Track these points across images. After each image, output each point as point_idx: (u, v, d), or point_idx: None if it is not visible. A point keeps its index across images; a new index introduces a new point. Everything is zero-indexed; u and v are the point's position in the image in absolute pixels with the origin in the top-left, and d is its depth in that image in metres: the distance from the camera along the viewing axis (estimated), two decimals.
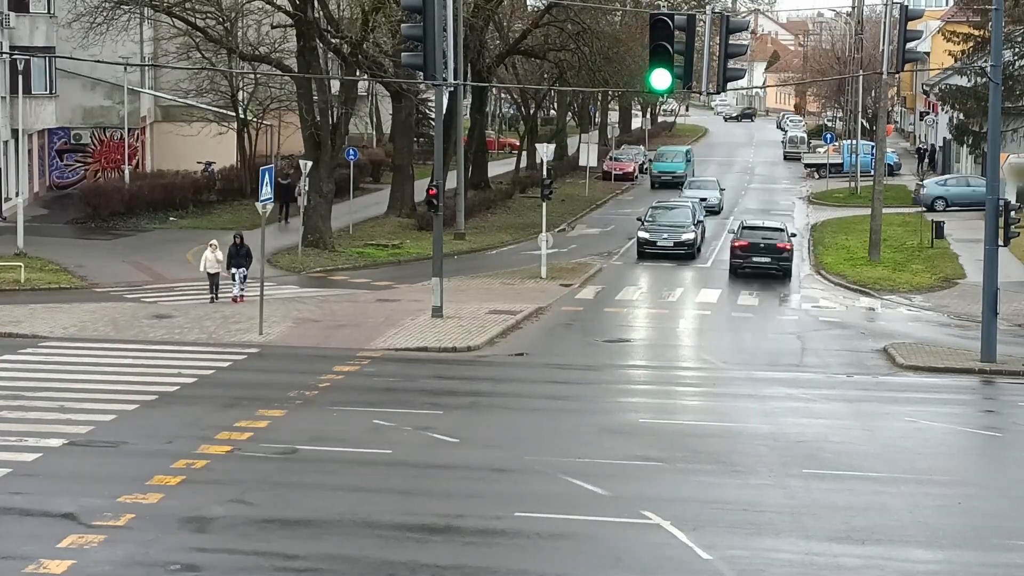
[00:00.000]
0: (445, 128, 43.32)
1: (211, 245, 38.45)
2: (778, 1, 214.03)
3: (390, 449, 23.37)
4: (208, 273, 38.34)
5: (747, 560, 18.06)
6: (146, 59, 64.83)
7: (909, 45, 35.28)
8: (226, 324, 34.78)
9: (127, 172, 61.92)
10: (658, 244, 50.03)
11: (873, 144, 65.71)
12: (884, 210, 52.10)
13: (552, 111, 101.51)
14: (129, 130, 63.42)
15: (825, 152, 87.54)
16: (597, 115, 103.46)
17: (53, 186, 63.33)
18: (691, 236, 50.41)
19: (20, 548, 17.79)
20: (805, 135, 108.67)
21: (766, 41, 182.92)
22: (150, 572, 17.21)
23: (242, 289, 38.19)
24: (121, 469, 21.78)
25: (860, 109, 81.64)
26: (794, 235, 49.75)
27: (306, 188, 47.42)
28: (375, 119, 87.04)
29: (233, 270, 38.14)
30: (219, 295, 38.30)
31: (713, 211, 64.17)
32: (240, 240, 38.25)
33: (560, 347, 33.98)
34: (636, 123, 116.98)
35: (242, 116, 65.58)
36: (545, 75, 78.51)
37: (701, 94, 29.82)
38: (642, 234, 50.59)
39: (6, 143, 54.89)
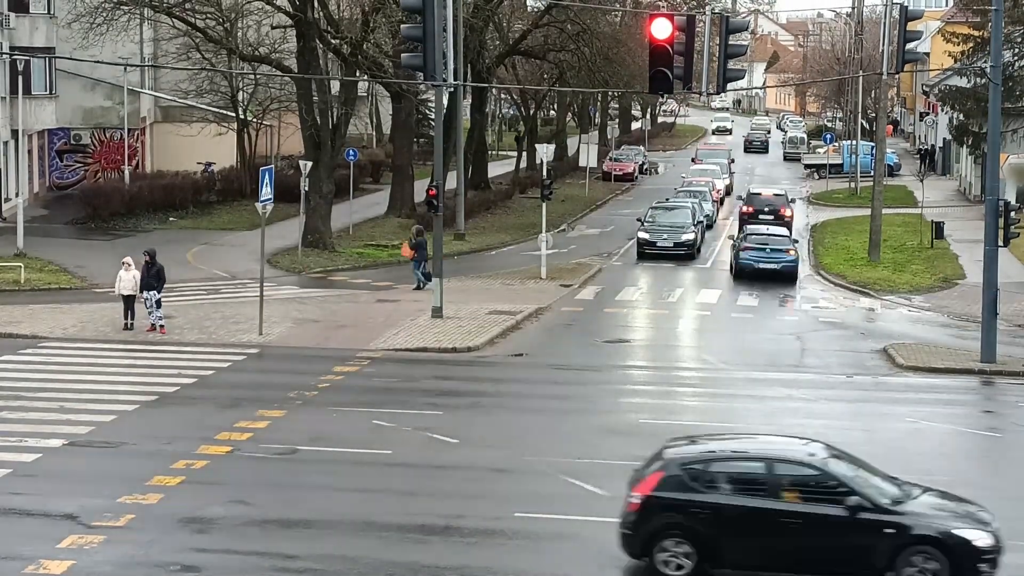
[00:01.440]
0: (445, 128, 43.30)
1: (124, 263, 34.11)
2: (778, 1, 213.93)
3: (390, 449, 23.38)
4: (121, 295, 33.86)
5: None
6: (146, 59, 64.81)
7: (909, 46, 35.24)
8: (226, 324, 34.77)
9: (127, 172, 61.90)
10: (658, 244, 49.99)
11: (873, 144, 65.71)
12: (884, 210, 52.08)
13: (552, 111, 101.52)
14: (129, 130, 63.40)
15: (825, 152, 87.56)
16: (597, 115, 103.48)
17: (53, 186, 63.30)
18: (691, 236, 50.38)
19: (20, 548, 17.81)
20: (805, 135, 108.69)
21: (766, 41, 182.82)
22: (150, 572, 17.22)
23: (159, 317, 33.56)
24: (121, 469, 21.79)
25: (860, 110, 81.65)
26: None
27: (306, 188, 47.44)
28: (375, 119, 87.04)
29: (144, 294, 33.45)
30: (133, 321, 33.77)
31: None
32: (150, 259, 33.60)
33: (560, 347, 33.98)
34: (636, 123, 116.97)
35: (242, 116, 65.56)
36: (545, 75, 78.53)
37: (701, 94, 29.86)
38: (642, 234, 50.54)
39: (6, 143, 54.86)
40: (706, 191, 62.96)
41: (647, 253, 49.84)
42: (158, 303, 33.56)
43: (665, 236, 50.13)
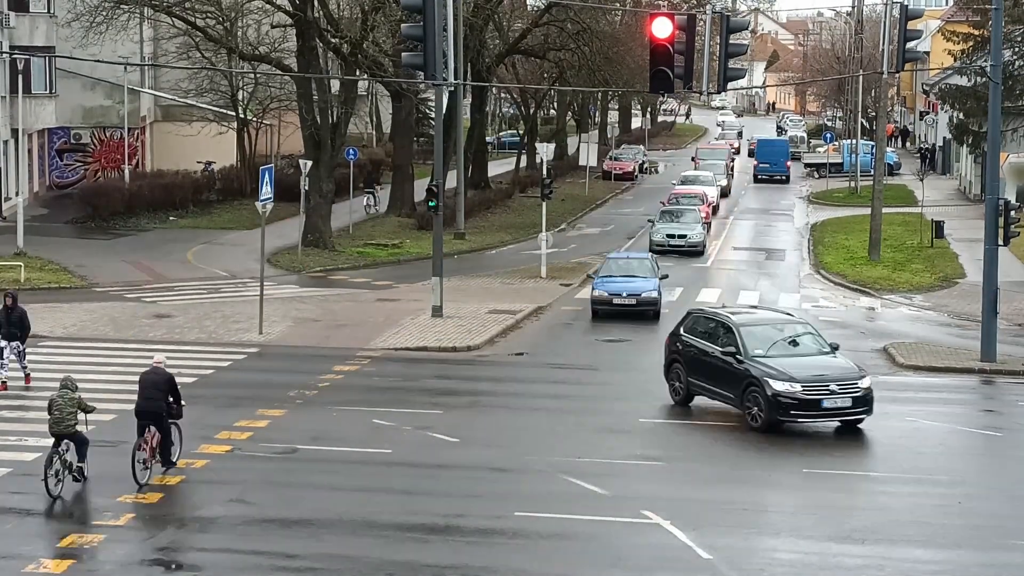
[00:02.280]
0: (445, 128, 43.29)
1: None
2: (778, 1, 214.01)
3: (390, 449, 23.38)
4: None
5: (747, 560, 18.07)
6: (146, 59, 64.82)
7: (909, 45, 35.28)
8: (226, 324, 34.78)
9: (127, 172, 61.91)
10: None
11: (873, 144, 65.69)
12: (884, 210, 52.08)
13: (552, 111, 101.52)
14: (129, 130, 63.42)
15: (825, 152, 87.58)
16: (597, 115, 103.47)
17: (53, 186, 63.32)
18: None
19: (20, 548, 17.81)
20: (805, 135, 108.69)
21: (766, 41, 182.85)
22: (150, 572, 17.22)
23: (23, 366, 27.78)
24: (121, 468, 21.75)
25: (860, 109, 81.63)
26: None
27: (306, 187, 47.48)
28: (375, 118, 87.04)
29: (2, 343, 27.42)
30: None
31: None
32: (11, 302, 27.84)
33: (560, 346, 33.98)
34: (636, 123, 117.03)
35: (242, 116, 65.56)
36: (545, 75, 78.53)
37: (701, 94, 29.85)
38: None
39: (6, 143, 54.87)
40: (695, 209, 55.04)
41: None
42: (21, 354, 27.79)
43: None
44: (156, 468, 21.13)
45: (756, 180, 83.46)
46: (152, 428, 21.39)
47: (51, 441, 20.39)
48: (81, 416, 20.70)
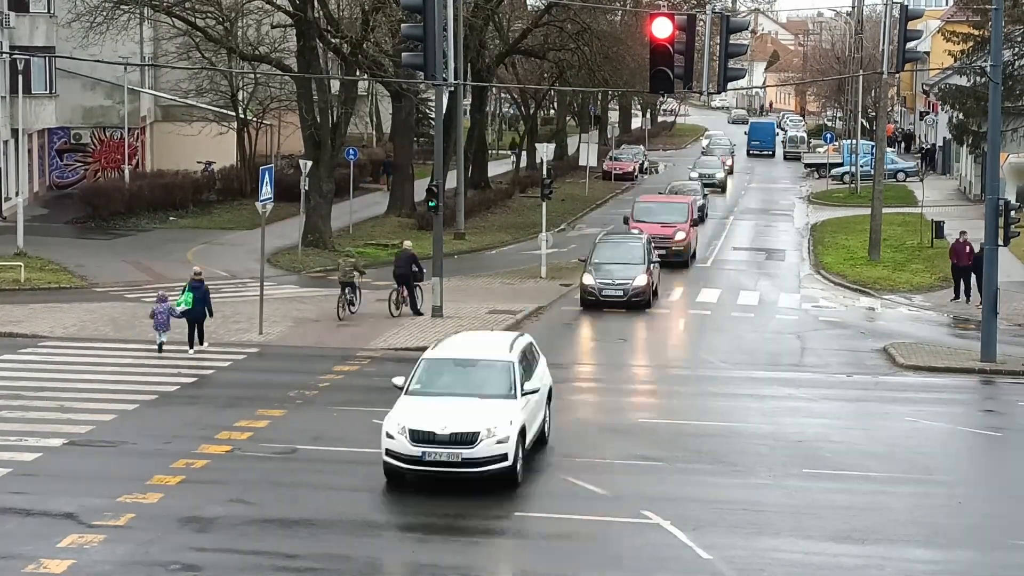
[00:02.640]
0: (445, 128, 43.30)
1: None
2: (778, 1, 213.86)
3: None
4: None
5: (747, 560, 18.06)
6: (146, 59, 64.86)
7: (909, 45, 35.29)
8: (226, 324, 34.77)
9: (127, 172, 61.94)
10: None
11: (873, 144, 65.70)
12: (884, 210, 52.08)
13: (552, 111, 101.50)
14: (129, 130, 63.44)
15: (825, 152, 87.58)
16: (597, 114, 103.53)
17: (53, 186, 63.33)
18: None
19: (20, 548, 17.81)
20: (805, 135, 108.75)
21: (766, 41, 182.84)
22: (150, 572, 17.22)
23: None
24: (121, 469, 21.80)
25: (860, 109, 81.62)
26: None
27: (306, 187, 47.47)
28: (375, 119, 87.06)
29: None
30: None
31: None
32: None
33: (560, 346, 33.95)
34: (636, 123, 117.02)
35: (242, 116, 65.60)
36: (545, 75, 78.56)
37: (701, 94, 29.85)
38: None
39: (6, 143, 54.89)
40: None
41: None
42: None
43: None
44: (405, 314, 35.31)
45: (749, 155, 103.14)
46: (403, 287, 35.90)
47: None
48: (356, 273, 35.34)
